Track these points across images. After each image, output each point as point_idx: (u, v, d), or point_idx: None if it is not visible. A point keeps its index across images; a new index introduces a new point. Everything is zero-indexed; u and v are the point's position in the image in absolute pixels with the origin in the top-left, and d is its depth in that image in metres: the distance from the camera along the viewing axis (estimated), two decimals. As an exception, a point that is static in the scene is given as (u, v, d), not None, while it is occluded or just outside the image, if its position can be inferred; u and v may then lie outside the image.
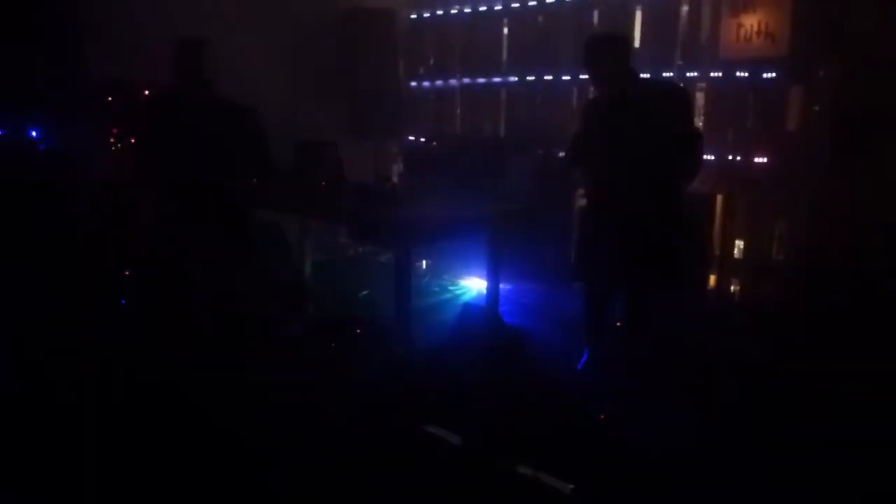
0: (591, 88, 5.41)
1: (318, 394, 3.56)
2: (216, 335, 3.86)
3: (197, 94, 3.80)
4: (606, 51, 3.58)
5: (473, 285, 5.47)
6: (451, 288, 5.55)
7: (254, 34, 5.67)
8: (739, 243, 4.97)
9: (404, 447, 3.15)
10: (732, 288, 4.96)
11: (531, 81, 6.03)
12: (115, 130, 5.16)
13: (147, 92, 4.89)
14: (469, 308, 4.47)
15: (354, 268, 5.82)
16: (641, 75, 3.75)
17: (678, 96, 3.66)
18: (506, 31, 6.26)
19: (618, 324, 4.01)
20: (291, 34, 6.13)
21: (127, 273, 4.68)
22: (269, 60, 5.74)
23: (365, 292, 5.28)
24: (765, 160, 4.67)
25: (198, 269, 3.85)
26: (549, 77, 5.88)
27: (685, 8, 5.09)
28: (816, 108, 4.65)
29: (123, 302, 4.54)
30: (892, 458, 2.97)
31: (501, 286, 4.40)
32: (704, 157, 3.96)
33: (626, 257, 3.59)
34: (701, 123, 4.96)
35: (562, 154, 5.15)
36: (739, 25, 4.57)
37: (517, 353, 4.02)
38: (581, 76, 5.61)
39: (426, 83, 6.95)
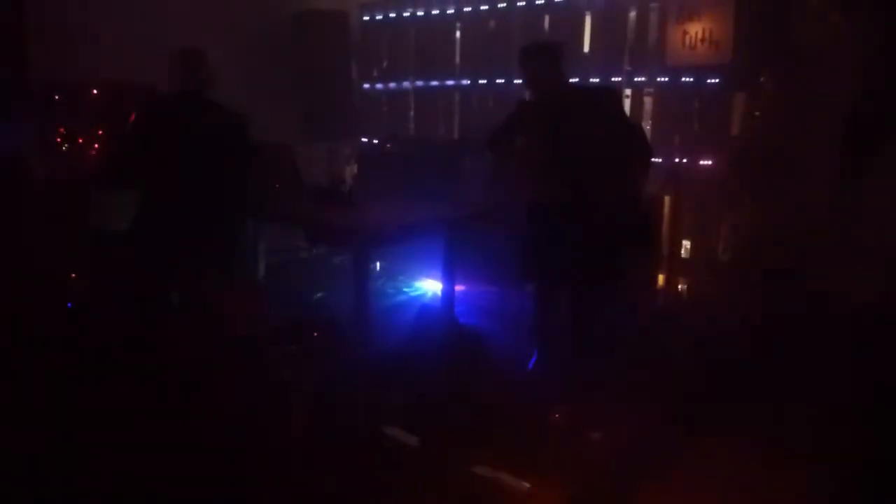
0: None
1: (276, 395, 3.55)
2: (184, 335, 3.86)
3: (193, 99, 3.90)
4: (537, 58, 3.76)
5: (427, 287, 5.50)
6: (405, 290, 5.58)
7: (206, 36, 5.59)
8: (686, 243, 5.13)
9: (362, 449, 3.16)
10: (680, 286, 5.11)
11: (484, 85, 6.10)
12: (61, 130, 5.06)
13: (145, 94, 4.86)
14: (425, 310, 4.50)
15: (308, 270, 5.80)
16: (571, 80, 4.02)
17: (603, 96, 3.91)
18: (458, 34, 6.31)
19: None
20: (244, 37, 6.08)
21: (74, 276, 4.60)
22: (222, 62, 5.67)
23: (320, 294, 5.26)
24: (710, 163, 4.84)
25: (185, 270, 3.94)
26: (502, 80, 5.96)
27: (633, 14, 5.23)
28: (757, 113, 4.84)
29: (70, 305, 4.45)
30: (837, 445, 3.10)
31: (456, 288, 4.43)
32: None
33: (565, 255, 3.72)
34: (649, 127, 5.10)
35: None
36: (685, 33, 4.71)
37: (473, 354, 4.07)
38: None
39: (379, 85, 6.95)
